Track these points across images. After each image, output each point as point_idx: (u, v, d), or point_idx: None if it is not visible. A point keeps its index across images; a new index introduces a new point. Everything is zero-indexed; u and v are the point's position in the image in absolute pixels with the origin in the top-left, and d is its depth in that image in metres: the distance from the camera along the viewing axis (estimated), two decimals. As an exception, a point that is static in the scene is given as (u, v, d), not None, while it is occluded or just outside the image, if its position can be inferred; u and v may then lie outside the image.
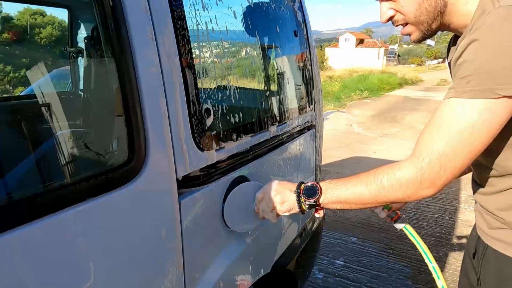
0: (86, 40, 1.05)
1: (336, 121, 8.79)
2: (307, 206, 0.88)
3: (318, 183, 0.88)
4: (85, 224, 0.64)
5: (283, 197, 0.92)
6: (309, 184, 0.89)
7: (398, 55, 60.29)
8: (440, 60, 55.51)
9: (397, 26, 0.85)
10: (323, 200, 0.86)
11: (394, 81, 18.09)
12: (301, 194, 0.89)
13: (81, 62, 2.27)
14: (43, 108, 0.84)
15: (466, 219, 3.50)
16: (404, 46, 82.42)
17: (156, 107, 0.75)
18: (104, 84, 0.79)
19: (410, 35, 0.84)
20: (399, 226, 1.08)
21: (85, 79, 1.00)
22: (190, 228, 0.85)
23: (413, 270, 2.67)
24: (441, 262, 2.78)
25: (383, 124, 8.52)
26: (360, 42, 52.59)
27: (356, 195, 0.82)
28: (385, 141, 6.79)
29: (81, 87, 2.16)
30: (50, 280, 0.59)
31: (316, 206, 0.87)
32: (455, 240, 3.14)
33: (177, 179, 0.81)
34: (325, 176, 3.94)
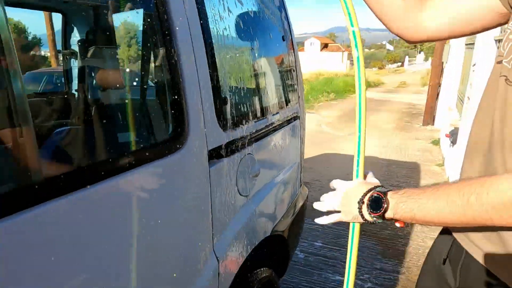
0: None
1: (306, 122, 9.21)
2: (373, 220, 0.76)
3: (385, 193, 0.74)
4: (149, 181, 0.87)
5: (348, 205, 0.81)
6: (375, 194, 0.75)
7: (361, 59, 62.51)
8: (399, 63, 58.64)
9: None
10: (394, 214, 0.72)
11: (358, 83, 18.96)
12: (365, 204, 0.77)
13: (74, 63, 2.42)
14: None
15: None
16: (366, 50, 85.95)
17: (194, 97, 1.00)
18: (160, 80, 1.02)
19: None
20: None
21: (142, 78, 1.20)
22: (215, 189, 1.10)
23: (382, 247, 3.03)
24: (405, 238, 3.16)
25: (350, 123, 9.04)
26: (325, 46, 54.28)
27: (434, 213, 0.66)
28: (352, 140, 7.24)
29: (75, 87, 2.32)
30: (126, 223, 0.82)
31: (384, 219, 0.74)
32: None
33: (208, 151, 1.06)
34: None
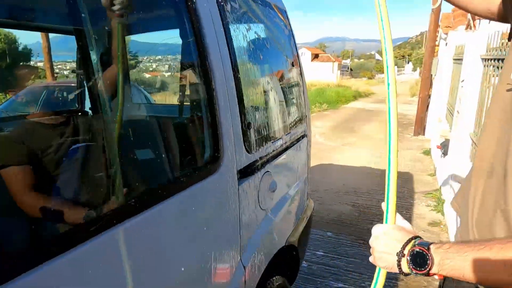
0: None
1: (301, 132, 9.40)
2: (413, 274, 0.69)
3: (428, 248, 0.68)
4: (195, 199, 1.01)
5: (383, 252, 0.77)
6: (417, 249, 0.69)
7: (351, 69, 63.89)
8: (389, 73, 59.41)
9: None
10: (440, 271, 0.66)
11: (349, 94, 19.37)
12: (406, 258, 0.70)
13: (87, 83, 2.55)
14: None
15: (420, 212, 4.12)
16: (356, 60, 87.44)
17: (227, 126, 1.14)
18: (198, 111, 1.17)
19: None
20: None
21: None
22: (243, 203, 1.24)
23: (380, 255, 3.18)
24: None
25: (343, 134, 9.26)
26: (316, 56, 55.08)
27: (488, 275, 0.61)
28: (346, 150, 7.45)
29: (88, 105, 2.45)
30: (186, 230, 0.95)
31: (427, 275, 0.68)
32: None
33: (237, 171, 1.20)
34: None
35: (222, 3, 1.22)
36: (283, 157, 1.62)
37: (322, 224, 3.82)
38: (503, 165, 0.69)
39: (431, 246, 0.67)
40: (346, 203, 4.37)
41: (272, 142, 1.50)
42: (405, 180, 5.21)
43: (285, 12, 1.84)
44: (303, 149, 1.92)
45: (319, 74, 41.51)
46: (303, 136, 1.94)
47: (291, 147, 1.73)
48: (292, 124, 1.73)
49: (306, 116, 1.98)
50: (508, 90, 0.71)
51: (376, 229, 0.83)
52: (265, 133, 1.45)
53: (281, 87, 1.68)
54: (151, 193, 0.89)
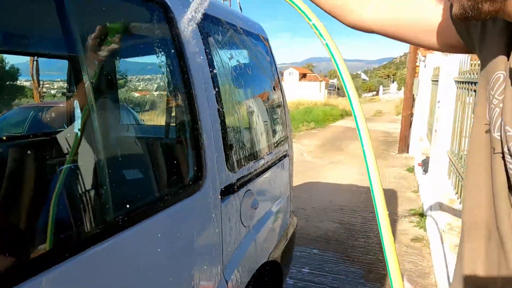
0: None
1: (289, 151, 9.53)
2: None
3: None
4: (178, 217, 1.08)
5: None
6: None
7: (338, 88, 65.27)
8: (375, 92, 61.33)
9: None
10: None
11: (336, 112, 19.76)
12: None
13: (77, 104, 2.62)
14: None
15: (403, 228, 4.21)
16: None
17: (210, 146, 1.23)
18: (182, 132, 1.25)
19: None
20: None
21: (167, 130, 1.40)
22: (225, 220, 1.31)
23: (365, 272, 3.24)
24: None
25: (330, 152, 9.42)
26: (303, 76, 56.17)
27: None
28: (333, 168, 7.58)
29: (78, 126, 2.50)
30: (166, 250, 1.02)
31: None
32: (396, 245, 3.80)
33: (220, 189, 1.28)
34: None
35: (205, 32, 1.33)
36: (265, 176, 1.70)
37: (309, 241, 3.88)
38: (495, 229, 0.62)
39: None
40: (332, 220, 4.45)
41: (254, 162, 1.59)
42: (389, 197, 5.33)
43: (267, 40, 1.97)
44: (285, 169, 2.01)
45: (307, 93, 42.25)
46: (285, 156, 2.04)
47: (273, 166, 1.81)
48: (274, 145, 1.82)
49: (287, 137, 2.09)
50: (486, 132, 0.65)
51: None
52: (247, 153, 1.53)
53: (263, 110, 1.79)
54: (135, 211, 0.96)
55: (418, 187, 5.67)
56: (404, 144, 8.97)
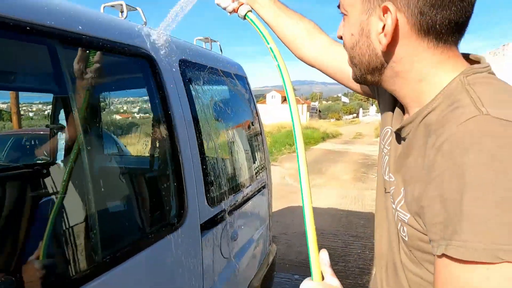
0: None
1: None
2: None
3: None
4: (162, 252, 1.16)
5: None
6: None
7: (319, 111, 66.70)
8: (355, 115, 63.06)
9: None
10: None
11: (318, 135, 20.16)
12: None
13: (61, 136, 2.67)
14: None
15: (382, 251, 4.33)
16: (324, 102, 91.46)
17: (191, 184, 1.33)
18: (164, 171, 1.35)
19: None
20: (242, 11, 0.97)
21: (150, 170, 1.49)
22: (206, 253, 1.39)
23: (345, 296, 3.31)
24: (365, 287, 3.48)
25: (311, 175, 9.57)
26: (285, 99, 57.19)
27: None
28: (314, 191, 7.69)
29: (61, 158, 2.55)
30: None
31: None
32: (375, 270, 3.91)
33: (200, 225, 1.36)
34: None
35: (187, 78, 1.46)
36: (244, 208, 1.80)
37: (291, 267, 3.94)
38: (392, 261, 0.71)
39: None
40: (313, 245, 4.52)
41: (233, 195, 1.69)
42: (369, 220, 5.47)
43: (246, 78, 2.12)
44: (263, 199, 2.12)
45: (289, 116, 42.81)
46: (263, 187, 2.15)
47: (252, 198, 1.92)
48: (252, 177, 1.93)
49: (266, 167, 2.20)
50: (386, 192, 0.71)
51: (302, 286, 0.76)
52: (227, 188, 1.63)
53: (242, 144, 1.91)
54: (121, 248, 1.04)
55: (395, 210, 5.84)
56: (382, 167, 9.24)
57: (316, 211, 6.30)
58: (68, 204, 1.30)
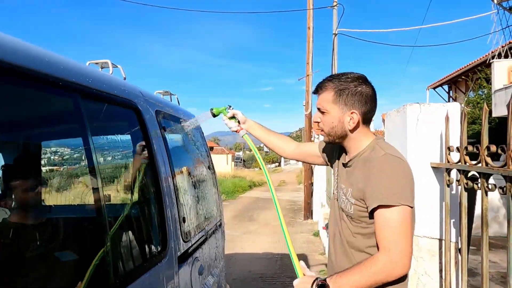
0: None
1: (203, 224, 9.52)
2: None
3: (325, 280, 1.18)
4: (147, 284, 1.27)
5: None
6: (320, 283, 1.17)
7: (244, 160, 68.37)
8: (277, 163, 66.09)
9: (317, 128, 1.43)
10: None
11: (245, 184, 20.61)
12: None
13: None
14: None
15: None
16: (247, 152, 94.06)
17: (171, 222, 1.48)
18: (152, 210, 1.48)
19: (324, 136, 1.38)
20: (242, 133, 1.66)
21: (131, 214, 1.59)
22: (181, 285, 1.51)
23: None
24: None
25: (243, 223, 9.72)
26: (211, 149, 57.32)
27: (358, 282, 1.14)
28: (248, 238, 7.85)
29: None
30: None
31: None
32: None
33: (177, 257, 1.50)
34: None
35: (161, 125, 1.66)
36: (206, 244, 1.95)
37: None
38: (338, 235, 1.38)
39: (327, 279, 1.19)
40: (253, 289, 4.61)
41: (199, 232, 1.84)
42: (303, 261, 5.78)
43: (200, 128, 2.37)
44: (220, 236, 2.28)
45: (215, 165, 43.03)
46: (220, 225, 2.32)
47: (212, 235, 2.08)
48: (212, 217, 2.11)
49: (220, 204, 2.40)
50: (334, 199, 1.42)
51: (295, 282, 1.33)
52: (194, 224, 1.79)
53: (204, 187, 2.10)
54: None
55: (324, 249, 6.29)
56: (308, 211, 9.88)
57: (253, 256, 6.42)
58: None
